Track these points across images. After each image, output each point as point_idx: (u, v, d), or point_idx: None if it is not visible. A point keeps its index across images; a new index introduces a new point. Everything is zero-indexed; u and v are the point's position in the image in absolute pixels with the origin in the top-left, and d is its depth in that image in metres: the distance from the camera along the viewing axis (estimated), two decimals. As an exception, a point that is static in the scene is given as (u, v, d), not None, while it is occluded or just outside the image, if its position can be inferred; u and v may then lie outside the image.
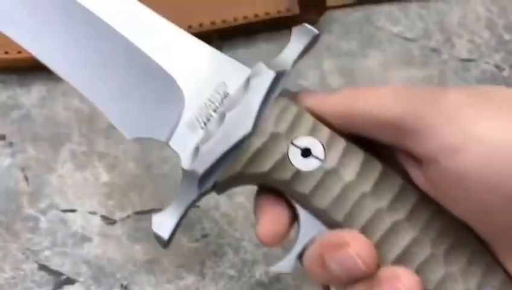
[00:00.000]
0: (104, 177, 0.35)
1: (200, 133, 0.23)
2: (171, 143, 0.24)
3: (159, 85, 0.24)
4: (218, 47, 0.26)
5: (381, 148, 0.23)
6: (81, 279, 0.33)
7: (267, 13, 0.39)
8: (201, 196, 0.24)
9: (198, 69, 0.24)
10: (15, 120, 0.36)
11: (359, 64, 0.40)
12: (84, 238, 0.33)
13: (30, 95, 0.36)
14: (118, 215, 0.34)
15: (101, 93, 0.25)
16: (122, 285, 0.33)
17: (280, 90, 0.24)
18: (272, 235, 0.24)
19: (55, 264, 0.33)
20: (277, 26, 0.40)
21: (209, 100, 0.24)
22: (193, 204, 0.24)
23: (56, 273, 0.33)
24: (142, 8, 0.26)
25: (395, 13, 0.42)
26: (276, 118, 0.23)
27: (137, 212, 0.34)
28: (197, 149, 0.23)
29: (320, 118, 0.23)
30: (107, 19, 0.25)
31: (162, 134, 0.24)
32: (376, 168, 0.23)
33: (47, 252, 0.33)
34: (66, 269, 0.33)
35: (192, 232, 0.34)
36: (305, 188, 0.23)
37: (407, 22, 0.42)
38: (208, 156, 0.22)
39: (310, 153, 0.23)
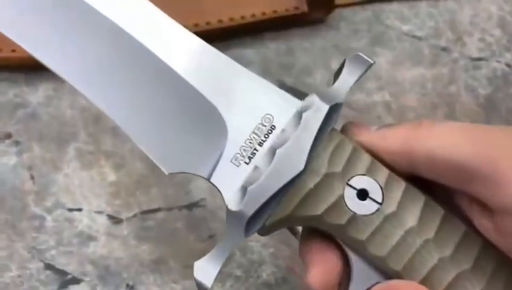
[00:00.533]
0: (111, 176, 0.35)
1: (245, 169, 0.21)
2: (213, 180, 0.22)
3: (200, 115, 0.22)
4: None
5: (436, 187, 0.21)
6: (87, 278, 0.32)
7: (274, 11, 0.38)
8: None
9: (241, 98, 0.22)
10: (21, 119, 0.35)
11: (368, 63, 0.40)
12: (90, 238, 0.33)
13: (37, 94, 0.36)
14: (124, 214, 0.34)
15: (139, 126, 0.23)
16: (128, 285, 0.32)
17: (334, 124, 0.22)
18: (323, 286, 0.21)
19: (60, 263, 0.33)
20: (285, 25, 0.40)
21: (254, 133, 0.22)
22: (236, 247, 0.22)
23: (62, 273, 0.32)
24: (183, 31, 0.23)
25: (405, 12, 0.42)
26: (330, 156, 0.21)
27: (143, 212, 0.34)
28: (244, 189, 0.21)
29: (375, 156, 0.21)
30: (150, 45, 0.23)
31: (203, 169, 0.22)
32: (438, 212, 0.21)
33: (53, 251, 0.33)
34: (71, 268, 0.32)
35: (198, 232, 0.34)
36: (361, 233, 0.21)
37: (417, 20, 0.42)
38: (257, 198, 0.20)
39: (367, 195, 0.21)
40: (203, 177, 0.22)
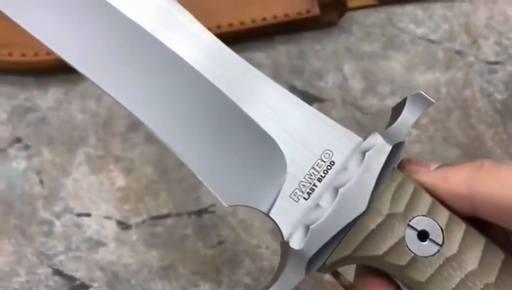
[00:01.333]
0: (120, 181, 0.34)
1: (304, 204, 0.21)
2: (272, 214, 0.22)
3: (260, 149, 0.22)
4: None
5: (495, 229, 0.21)
6: (96, 284, 0.32)
7: (286, 15, 0.38)
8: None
9: (301, 133, 0.22)
10: (31, 123, 0.35)
11: (381, 67, 0.39)
12: (99, 243, 0.33)
13: (47, 98, 0.36)
14: (133, 220, 0.34)
15: (200, 159, 0.23)
16: (136, 292, 0.32)
17: (395, 163, 0.22)
18: None
19: (69, 269, 0.32)
20: (296, 28, 0.39)
21: (314, 168, 0.22)
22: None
23: (70, 279, 0.32)
24: (242, 62, 0.23)
25: (419, 14, 0.41)
26: (392, 197, 0.21)
27: (152, 217, 0.34)
28: (306, 227, 0.20)
29: (434, 195, 0.21)
30: (218, 84, 0.22)
31: (262, 203, 0.22)
32: (499, 256, 0.21)
33: (61, 257, 0.33)
34: (80, 274, 0.32)
35: (208, 239, 0.34)
36: (421, 275, 0.20)
37: (431, 23, 0.41)
38: (320, 237, 0.20)
39: (427, 237, 0.21)
40: (262, 212, 0.22)
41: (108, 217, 0.34)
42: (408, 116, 0.22)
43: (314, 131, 0.22)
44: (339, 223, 0.20)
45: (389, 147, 0.21)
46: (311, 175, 0.21)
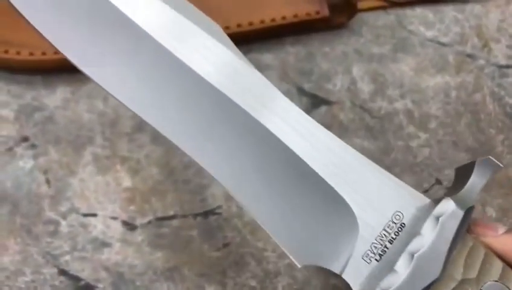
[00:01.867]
0: (126, 181, 0.34)
1: (376, 266, 0.22)
2: (344, 275, 0.22)
3: (332, 210, 0.22)
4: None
5: None
6: (101, 285, 0.32)
7: (295, 16, 0.38)
8: None
9: (371, 193, 0.22)
10: (38, 122, 0.35)
11: (391, 69, 0.39)
12: (105, 244, 0.33)
13: (54, 97, 0.36)
14: (139, 220, 0.34)
15: (275, 221, 0.23)
16: (141, 293, 0.32)
17: (466, 227, 0.22)
18: None
19: (74, 269, 0.32)
20: (305, 29, 0.39)
21: (385, 230, 0.22)
22: None
23: (75, 279, 0.32)
24: (306, 119, 0.24)
25: (429, 17, 0.41)
26: (465, 262, 0.21)
27: (158, 218, 0.34)
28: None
29: (504, 260, 0.22)
30: (273, 129, 0.23)
31: (334, 264, 0.22)
32: None
33: (67, 257, 0.32)
34: (85, 274, 0.32)
35: (213, 241, 0.33)
36: None
37: (442, 26, 0.40)
38: None
39: None
40: (336, 273, 0.22)
41: (114, 218, 0.34)
42: (477, 180, 0.22)
43: (384, 192, 0.22)
44: (415, 289, 0.20)
45: (461, 213, 0.21)
46: (383, 237, 0.22)
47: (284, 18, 0.38)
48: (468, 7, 0.41)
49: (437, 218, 0.21)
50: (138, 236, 0.33)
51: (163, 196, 0.34)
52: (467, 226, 0.22)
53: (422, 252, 0.21)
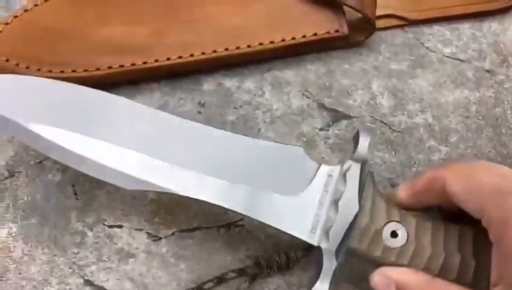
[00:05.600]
0: (152, 193, 0.35)
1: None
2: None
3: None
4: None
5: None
6: (125, 296, 0.32)
7: (315, 34, 0.39)
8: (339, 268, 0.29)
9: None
10: (67, 137, 0.36)
11: (410, 85, 0.39)
12: (129, 255, 0.33)
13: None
14: (163, 232, 0.34)
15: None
16: (165, 304, 0.32)
17: (371, 177, 0.30)
18: None
19: (100, 279, 0.33)
20: (325, 47, 0.40)
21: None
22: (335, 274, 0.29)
23: (100, 289, 0.32)
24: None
25: (447, 34, 0.41)
26: (372, 202, 0.29)
27: (182, 230, 0.34)
28: (326, 233, 0.29)
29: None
30: None
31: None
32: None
33: (92, 267, 0.33)
34: (110, 284, 0.33)
35: (236, 253, 0.34)
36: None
37: (460, 43, 0.41)
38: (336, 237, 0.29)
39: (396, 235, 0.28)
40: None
41: (139, 229, 0.34)
42: (363, 143, 0.31)
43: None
44: (346, 222, 0.29)
45: (358, 166, 0.30)
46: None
47: (304, 36, 0.39)
48: (485, 24, 0.42)
49: (344, 174, 0.30)
50: (162, 247, 0.34)
51: (187, 208, 0.35)
52: (367, 173, 0.30)
53: (343, 200, 0.29)
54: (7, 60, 0.37)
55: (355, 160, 0.30)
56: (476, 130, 0.38)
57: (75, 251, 0.33)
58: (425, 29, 0.41)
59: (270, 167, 0.31)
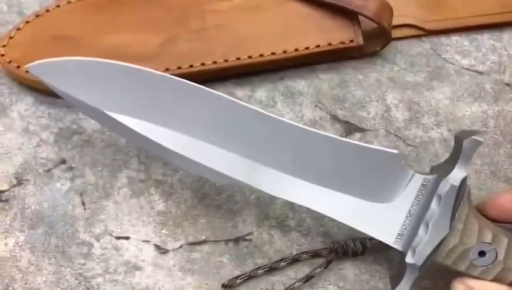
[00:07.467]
0: (160, 205, 0.34)
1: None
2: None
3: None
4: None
5: None
6: (131, 309, 0.32)
7: (329, 44, 0.38)
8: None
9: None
10: (76, 145, 0.36)
11: (426, 98, 0.38)
12: (136, 267, 0.33)
13: (92, 120, 0.37)
14: (170, 245, 0.34)
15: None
16: (171, 318, 0.32)
17: (468, 195, 0.29)
18: None
19: (106, 292, 0.32)
20: (339, 57, 0.39)
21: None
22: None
23: (107, 302, 0.32)
24: None
25: (465, 45, 0.40)
26: (464, 224, 0.28)
27: (190, 243, 0.34)
28: (413, 249, 0.29)
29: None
30: None
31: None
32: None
33: (99, 279, 0.33)
34: (116, 297, 0.32)
35: (244, 267, 0.33)
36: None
37: (479, 54, 0.40)
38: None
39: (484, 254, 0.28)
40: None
41: (146, 241, 0.34)
42: (465, 158, 0.29)
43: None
44: (434, 243, 0.29)
45: (456, 187, 0.29)
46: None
47: (318, 46, 0.38)
48: (506, 35, 0.40)
49: (439, 196, 0.29)
50: (170, 260, 0.33)
51: (195, 221, 0.34)
52: (465, 190, 0.29)
53: (434, 220, 0.28)
54: (18, 67, 0.37)
55: (454, 179, 0.29)
56: (494, 145, 0.37)
57: (82, 262, 0.33)
58: (443, 40, 0.40)
59: (362, 170, 0.30)
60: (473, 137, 0.29)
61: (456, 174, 0.29)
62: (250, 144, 0.30)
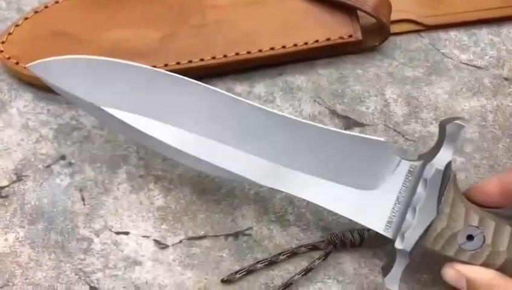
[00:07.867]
0: (159, 200, 0.35)
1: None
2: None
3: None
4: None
5: None
6: (131, 304, 0.32)
7: (328, 39, 0.38)
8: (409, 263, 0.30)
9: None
10: (76, 141, 0.36)
11: (425, 92, 0.38)
12: (136, 262, 0.33)
13: (92, 116, 0.37)
14: (170, 240, 0.34)
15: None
16: (171, 313, 0.32)
17: (453, 180, 0.29)
18: None
19: (106, 287, 0.32)
20: (338, 52, 0.39)
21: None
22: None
23: (107, 297, 0.32)
24: None
25: (464, 40, 0.40)
26: (451, 207, 0.29)
27: (189, 238, 0.34)
28: (402, 234, 0.29)
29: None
30: None
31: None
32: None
33: (99, 274, 0.33)
34: (116, 292, 0.32)
35: (243, 262, 0.33)
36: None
37: (477, 49, 0.40)
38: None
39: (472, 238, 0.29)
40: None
41: (146, 236, 0.34)
42: (449, 143, 0.30)
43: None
44: (422, 227, 0.29)
45: (441, 171, 0.29)
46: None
47: (316, 41, 0.38)
48: (504, 30, 0.40)
49: (425, 180, 0.29)
50: (169, 255, 0.33)
51: (194, 216, 0.34)
52: (451, 175, 0.29)
53: (421, 205, 0.29)
54: (17, 63, 0.37)
55: (439, 164, 0.29)
56: (493, 140, 0.37)
57: (82, 257, 0.33)
58: (442, 35, 0.40)
59: (350, 158, 0.30)
60: (456, 121, 0.29)
61: (441, 158, 0.29)
62: (245, 136, 0.30)
